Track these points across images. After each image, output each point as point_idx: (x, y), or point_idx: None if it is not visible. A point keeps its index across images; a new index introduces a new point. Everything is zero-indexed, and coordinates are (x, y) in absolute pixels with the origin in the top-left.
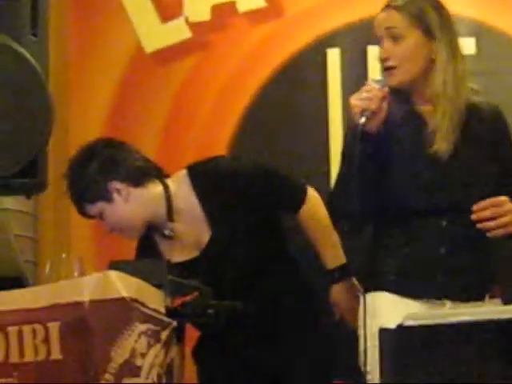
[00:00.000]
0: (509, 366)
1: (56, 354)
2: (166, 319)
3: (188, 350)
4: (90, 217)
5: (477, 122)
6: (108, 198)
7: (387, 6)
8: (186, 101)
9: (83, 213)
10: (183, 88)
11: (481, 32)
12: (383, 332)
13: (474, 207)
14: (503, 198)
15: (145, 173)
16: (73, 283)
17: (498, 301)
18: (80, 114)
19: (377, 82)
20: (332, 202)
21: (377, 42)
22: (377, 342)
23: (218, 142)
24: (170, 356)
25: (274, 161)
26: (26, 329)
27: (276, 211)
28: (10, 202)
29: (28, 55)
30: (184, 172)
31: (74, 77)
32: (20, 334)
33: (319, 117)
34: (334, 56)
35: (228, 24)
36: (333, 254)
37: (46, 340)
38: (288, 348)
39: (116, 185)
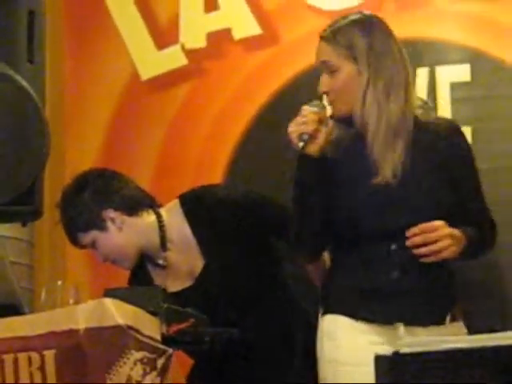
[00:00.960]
0: None
1: (52, 382)
2: (161, 347)
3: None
4: (83, 246)
5: (428, 141)
6: (102, 227)
7: (320, 38)
8: (181, 128)
9: (76, 242)
10: (179, 115)
11: (475, 58)
12: (379, 359)
13: (407, 233)
14: (437, 223)
15: (138, 202)
16: (68, 311)
17: (460, 324)
18: (76, 140)
19: (312, 105)
20: (293, 239)
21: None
22: (335, 367)
23: (214, 169)
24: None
25: (270, 187)
26: (22, 356)
27: (269, 239)
28: (5, 229)
29: (24, 82)
30: (176, 201)
31: (70, 104)
32: (16, 361)
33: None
34: None
35: (224, 51)
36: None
37: (42, 368)
38: (283, 375)
39: (110, 213)
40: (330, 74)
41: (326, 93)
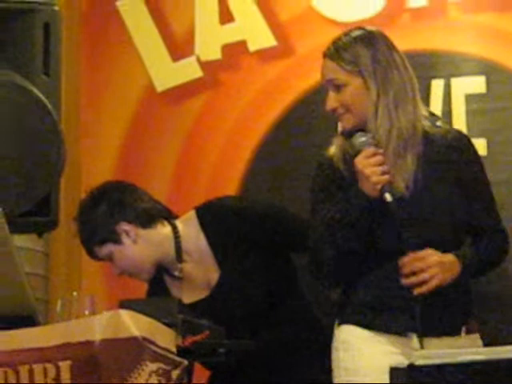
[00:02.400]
0: None
1: None
2: (177, 358)
3: None
4: (100, 259)
5: (438, 153)
6: (116, 240)
7: (323, 55)
8: (197, 139)
9: (93, 256)
10: (194, 127)
11: (490, 70)
12: (394, 371)
13: (399, 263)
14: (426, 252)
15: (153, 214)
16: (84, 322)
17: (476, 336)
18: (92, 152)
19: (365, 142)
20: (325, 277)
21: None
22: (352, 376)
23: (229, 180)
24: None
25: (284, 200)
26: (37, 368)
27: (285, 250)
28: (21, 239)
29: (40, 94)
30: (192, 213)
31: (85, 116)
32: (31, 372)
33: None
34: None
35: (239, 63)
36: None
37: (57, 379)
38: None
39: (124, 226)
40: (337, 90)
41: (335, 109)
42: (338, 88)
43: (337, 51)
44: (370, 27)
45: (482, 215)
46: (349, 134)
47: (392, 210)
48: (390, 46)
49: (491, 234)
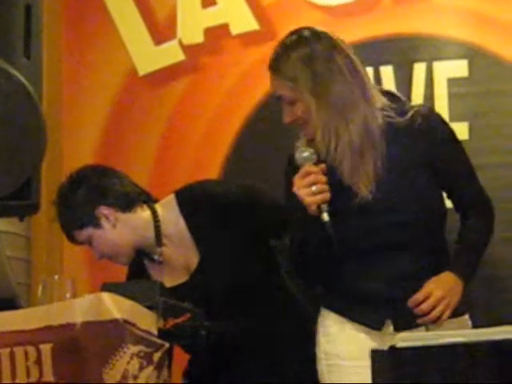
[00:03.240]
0: None
1: (48, 376)
2: (158, 341)
3: (178, 372)
4: (80, 243)
5: (406, 139)
6: (96, 224)
7: (268, 68)
8: (179, 123)
9: (72, 240)
10: (176, 110)
11: (473, 54)
12: (375, 353)
13: (409, 303)
14: (427, 290)
15: (133, 198)
16: (65, 305)
17: (465, 318)
18: (73, 135)
19: (304, 157)
20: (297, 270)
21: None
22: (329, 360)
23: (211, 164)
24: (163, 378)
25: (266, 182)
26: (18, 350)
27: (264, 236)
28: (2, 223)
29: (21, 77)
30: (172, 196)
31: (67, 99)
32: (12, 355)
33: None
34: None
35: (221, 46)
36: None
37: (38, 362)
38: (278, 370)
39: (103, 210)
40: (291, 105)
41: (292, 122)
42: (291, 103)
43: (277, 66)
44: (306, 30)
45: (466, 190)
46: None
47: (327, 231)
48: (330, 52)
49: (479, 207)
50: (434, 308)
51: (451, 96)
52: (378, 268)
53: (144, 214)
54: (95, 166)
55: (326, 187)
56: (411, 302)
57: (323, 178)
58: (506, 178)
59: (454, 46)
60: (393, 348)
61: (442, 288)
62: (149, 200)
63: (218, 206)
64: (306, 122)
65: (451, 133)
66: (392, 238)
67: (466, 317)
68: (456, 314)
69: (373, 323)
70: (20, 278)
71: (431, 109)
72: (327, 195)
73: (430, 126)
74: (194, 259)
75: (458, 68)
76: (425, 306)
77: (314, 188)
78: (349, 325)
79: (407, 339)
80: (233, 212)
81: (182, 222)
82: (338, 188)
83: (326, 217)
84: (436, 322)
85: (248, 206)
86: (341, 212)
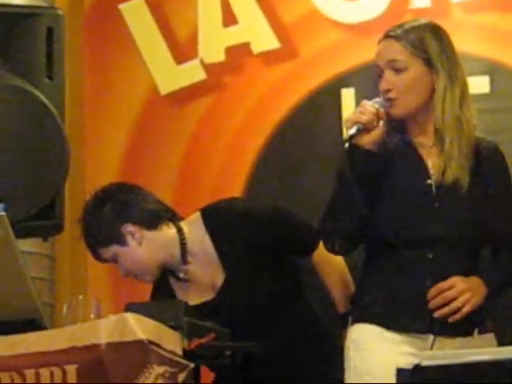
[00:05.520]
0: None
1: None
2: (183, 361)
3: None
4: (105, 261)
5: (475, 157)
6: (122, 241)
7: (387, 36)
8: (201, 142)
9: (98, 257)
10: (198, 129)
11: (494, 70)
12: (400, 372)
13: (428, 296)
14: (453, 280)
15: (158, 215)
16: (90, 326)
17: (490, 336)
18: (96, 156)
19: (373, 101)
20: (322, 221)
21: (378, 71)
22: (361, 377)
23: (233, 183)
24: None
25: (289, 201)
26: (44, 372)
27: (290, 255)
28: (26, 244)
29: (44, 98)
30: (197, 214)
31: (89, 119)
32: (37, 376)
33: (335, 157)
34: (348, 96)
35: (243, 65)
36: (345, 297)
37: (64, 383)
38: None
39: (129, 228)
40: (396, 73)
41: (390, 90)
42: (397, 71)
43: (405, 33)
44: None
45: (506, 228)
46: (390, 122)
47: (347, 146)
48: (452, 43)
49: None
50: (456, 298)
51: None
52: (426, 266)
53: (170, 231)
54: (120, 184)
55: (368, 114)
56: (435, 289)
57: (371, 109)
58: None
59: (475, 63)
60: (417, 366)
61: (466, 282)
62: (174, 218)
63: (244, 224)
64: (402, 96)
65: (508, 170)
66: (443, 234)
67: (492, 335)
68: (484, 330)
69: (412, 329)
70: (44, 298)
71: (495, 143)
72: (365, 118)
73: (496, 155)
74: (219, 277)
75: (480, 84)
76: (449, 293)
77: (356, 109)
78: (384, 337)
79: (432, 358)
80: (259, 231)
81: (207, 240)
82: (412, 170)
83: (352, 130)
84: (455, 315)
85: (274, 226)
86: (404, 195)
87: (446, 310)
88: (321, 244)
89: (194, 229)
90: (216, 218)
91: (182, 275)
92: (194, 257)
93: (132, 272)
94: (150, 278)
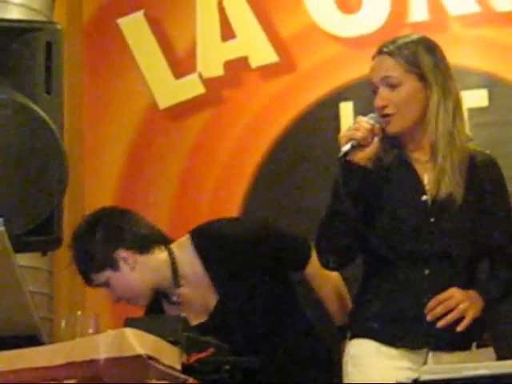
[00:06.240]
0: None
1: None
2: (182, 376)
3: None
4: (97, 286)
5: (470, 170)
6: (115, 267)
7: (380, 52)
8: (200, 156)
9: (90, 283)
10: (197, 143)
11: (493, 84)
12: None
13: (427, 308)
14: (451, 291)
15: (150, 239)
16: (88, 341)
17: (489, 349)
18: (95, 170)
19: (368, 117)
20: (317, 237)
21: (372, 87)
22: None
23: (232, 197)
24: None
25: (287, 216)
26: None
27: (282, 270)
28: (25, 258)
29: (42, 113)
30: (187, 237)
31: (88, 134)
32: None
33: (333, 170)
34: (347, 109)
35: (241, 79)
36: (341, 310)
37: None
38: None
39: (122, 253)
40: (391, 89)
41: (385, 107)
42: (392, 87)
43: (398, 49)
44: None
45: (503, 241)
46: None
47: (341, 158)
48: (445, 57)
49: (511, 259)
50: (455, 307)
51: (471, 126)
52: (423, 282)
53: (161, 255)
54: (111, 208)
55: (363, 131)
56: (434, 300)
57: (366, 125)
58: None
59: (473, 76)
60: (416, 381)
61: (463, 293)
62: (166, 241)
63: (234, 245)
64: (398, 111)
65: (505, 183)
66: (439, 249)
67: (491, 349)
68: (482, 344)
69: (410, 344)
70: (42, 313)
71: (491, 155)
72: (359, 134)
73: (490, 168)
74: (212, 299)
75: (478, 98)
76: (448, 303)
77: (351, 126)
78: (382, 352)
79: (431, 372)
80: (248, 251)
81: (198, 263)
82: (406, 185)
83: (347, 146)
84: (459, 326)
85: (263, 243)
86: (399, 210)
87: (447, 318)
88: (314, 257)
89: (184, 252)
90: (205, 239)
91: (174, 298)
92: (186, 279)
93: (125, 296)
94: (144, 302)
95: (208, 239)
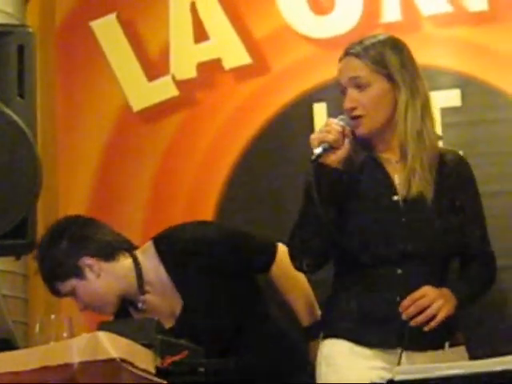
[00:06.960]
0: None
1: None
2: (156, 379)
3: None
4: (63, 295)
5: (440, 169)
6: (80, 275)
7: (347, 54)
8: (174, 158)
9: (56, 292)
10: (171, 145)
11: (466, 83)
12: None
13: (401, 307)
14: (425, 289)
15: (115, 246)
16: (62, 345)
17: (462, 348)
18: (69, 173)
19: (338, 119)
20: (290, 239)
21: (341, 88)
22: None
23: (206, 199)
24: None
25: (262, 217)
26: None
27: (246, 273)
28: None
29: (15, 117)
30: (150, 243)
31: (62, 137)
32: None
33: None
34: (321, 110)
35: (214, 81)
36: (307, 310)
37: None
38: None
39: (87, 261)
40: (359, 90)
41: (354, 108)
42: (360, 88)
43: (364, 50)
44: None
45: (474, 239)
46: (356, 139)
47: (313, 161)
48: (412, 56)
49: (482, 258)
50: (429, 306)
51: (444, 126)
52: (395, 282)
53: (126, 261)
54: (75, 217)
55: (335, 133)
56: (408, 299)
57: (337, 127)
58: (499, 206)
59: (446, 76)
60: (391, 381)
61: (436, 292)
62: (130, 247)
63: (195, 249)
64: (367, 113)
65: (475, 182)
66: (411, 249)
67: (463, 348)
68: (455, 343)
69: (382, 344)
70: (18, 317)
71: (460, 153)
72: (331, 137)
73: (462, 166)
74: (177, 304)
75: (451, 98)
76: (422, 302)
77: (322, 128)
78: (355, 352)
79: (405, 372)
80: (211, 255)
81: (161, 269)
82: (377, 186)
83: (319, 149)
84: (431, 323)
85: (227, 247)
86: (371, 211)
87: (421, 317)
88: (282, 259)
89: (148, 258)
90: (167, 245)
91: (140, 305)
92: (152, 286)
93: (91, 305)
94: (111, 310)
95: (169, 244)
